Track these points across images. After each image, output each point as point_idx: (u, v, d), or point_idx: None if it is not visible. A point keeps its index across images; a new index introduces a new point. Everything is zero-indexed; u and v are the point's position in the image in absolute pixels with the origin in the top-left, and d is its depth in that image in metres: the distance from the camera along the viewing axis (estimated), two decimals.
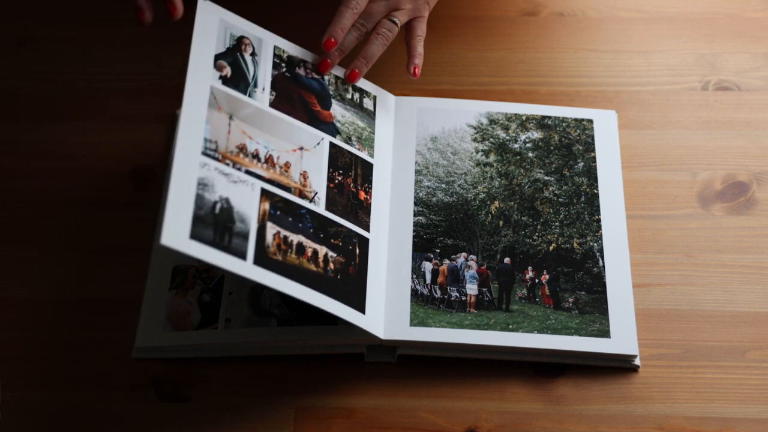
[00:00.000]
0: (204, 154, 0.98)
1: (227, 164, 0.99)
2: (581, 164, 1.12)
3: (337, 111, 1.11)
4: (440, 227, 1.08)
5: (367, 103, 1.14)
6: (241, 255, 0.94)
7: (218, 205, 0.96)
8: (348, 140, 1.09)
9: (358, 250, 1.02)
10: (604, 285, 1.04)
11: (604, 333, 1.00)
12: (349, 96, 1.13)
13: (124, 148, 1.17)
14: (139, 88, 1.19)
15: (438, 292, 1.03)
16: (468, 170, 1.12)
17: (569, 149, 1.14)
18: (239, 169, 1.00)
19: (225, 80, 1.05)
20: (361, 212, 1.05)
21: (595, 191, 1.10)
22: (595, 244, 1.07)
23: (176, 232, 0.92)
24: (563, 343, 1.00)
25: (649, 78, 1.21)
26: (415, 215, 1.08)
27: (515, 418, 0.98)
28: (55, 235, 1.10)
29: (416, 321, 1.00)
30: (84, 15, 1.30)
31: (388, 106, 1.16)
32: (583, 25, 1.27)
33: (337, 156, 1.07)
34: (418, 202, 1.09)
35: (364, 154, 1.10)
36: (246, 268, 0.94)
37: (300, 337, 1.00)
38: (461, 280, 1.04)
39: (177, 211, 0.93)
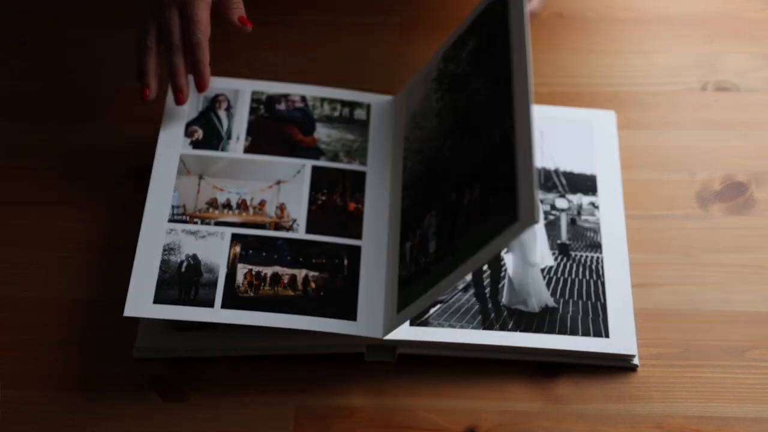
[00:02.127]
0: (171, 221, 1.04)
1: (195, 222, 1.04)
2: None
3: (322, 133, 1.12)
4: (420, 203, 1.04)
5: (360, 113, 1.15)
6: (209, 303, 0.99)
7: (184, 264, 1.02)
8: (335, 157, 1.11)
9: (346, 261, 1.03)
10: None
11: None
12: (336, 114, 1.14)
13: (124, 148, 1.17)
14: (140, 88, 1.19)
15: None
16: (433, 127, 1.08)
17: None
18: (208, 223, 1.04)
19: (196, 143, 1.10)
20: (350, 223, 1.06)
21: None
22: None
23: (139, 301, 0.98)
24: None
25: (648, 78, 1.21)
26: (402, 202, 1.07)
27: (515, 417, 0.98)
28: (55, 235, 1.10)
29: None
30: (84, 16, 1.30)
31: (384, 109, 1.16)
32: (582, 26, 1.27)
33: (321, 177, 1.09)
34: (405, 187, 1.08)
35: (353, 166, 1.10)
36: (214, 314, 0.99)
37: (300, 335, 1.00)
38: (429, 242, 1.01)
39: (141, 280, 0.99)
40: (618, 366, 1.00)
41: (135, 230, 1.08)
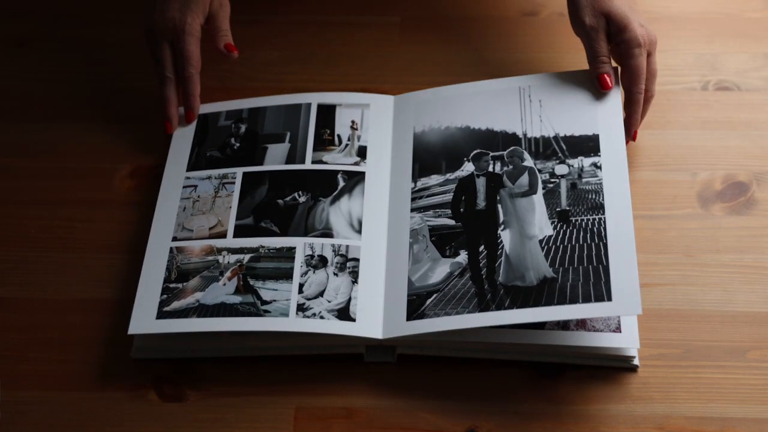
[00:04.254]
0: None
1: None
2: None
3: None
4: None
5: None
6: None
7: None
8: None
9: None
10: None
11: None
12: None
13: (124, 148, 1.17)
14: (140, 88, 1.19)
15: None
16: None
17: None
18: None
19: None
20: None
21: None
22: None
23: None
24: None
25: None
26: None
27: (515, 418, 0.98)
28: (55, 235, 1.10)
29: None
30: (84, 16, 1.30)
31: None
32: None
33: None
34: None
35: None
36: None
37: (299, 337, 1.00)
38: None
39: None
40: (618, 366, 1.00)
41: (135, 230, 1.09)
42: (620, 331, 0.99)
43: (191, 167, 1.12)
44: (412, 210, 1.07)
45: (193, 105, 1.16)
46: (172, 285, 1.03)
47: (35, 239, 1.10)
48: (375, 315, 1.00)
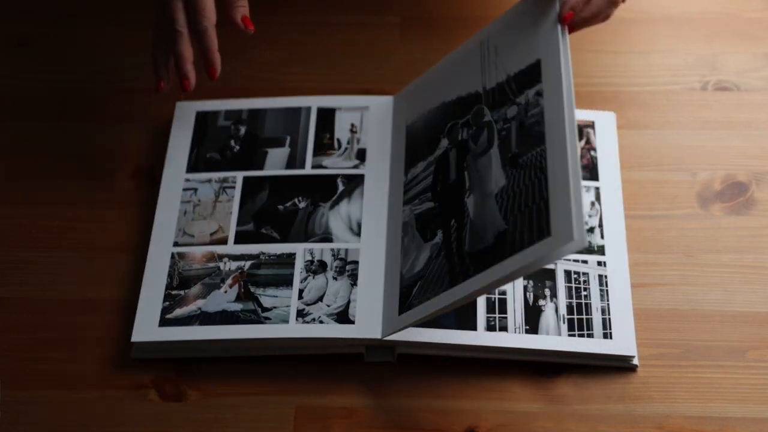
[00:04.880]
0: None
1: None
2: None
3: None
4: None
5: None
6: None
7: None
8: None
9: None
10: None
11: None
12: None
13: (124, 148, 1.17)
14: (140, 88, 1.19)
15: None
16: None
17: None
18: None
19: None
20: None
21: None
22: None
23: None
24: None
25: (648, 78, 1.21)
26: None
27: (515, 418, 0.98)
28: (55, 235, 1.10)
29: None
30: (85, 15, 1.30)
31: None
32: None
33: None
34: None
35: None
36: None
37: (299, 340, 1.00)
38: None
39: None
40: (618, 366, 1.00)
41: (135, 230, 1.09)
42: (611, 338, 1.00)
43: (191, 168, 1.12)
44: (403, 204, 1.07)
45: (212, 60, 1.06)
46: (174, 292, 1.03)
47: (35, 239, 1.10)
48: (374, 316, 1.00)
